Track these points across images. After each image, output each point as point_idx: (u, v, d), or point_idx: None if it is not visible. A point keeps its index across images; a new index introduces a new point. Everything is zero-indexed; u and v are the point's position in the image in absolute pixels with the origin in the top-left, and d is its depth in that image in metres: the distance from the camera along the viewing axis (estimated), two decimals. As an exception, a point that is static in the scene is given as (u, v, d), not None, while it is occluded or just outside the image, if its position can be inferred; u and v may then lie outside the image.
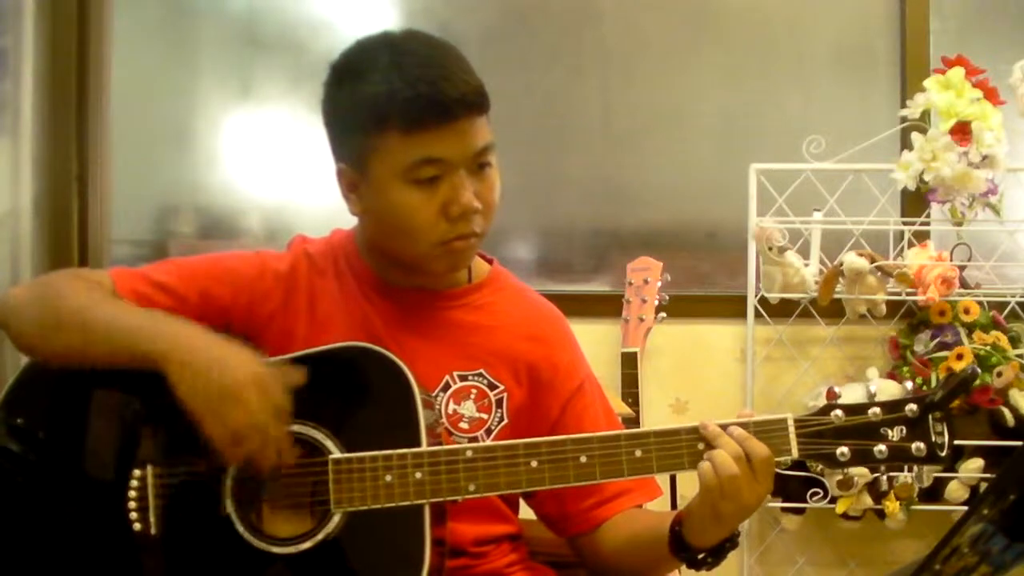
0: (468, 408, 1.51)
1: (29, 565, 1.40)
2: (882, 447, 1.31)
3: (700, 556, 1.38)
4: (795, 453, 1.33)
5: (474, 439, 1.50)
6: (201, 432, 1.31)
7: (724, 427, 1.33)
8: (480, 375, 1.52)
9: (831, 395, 1.36)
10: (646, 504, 1.57)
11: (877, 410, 1.32)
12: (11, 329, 1.44)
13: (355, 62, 1.46)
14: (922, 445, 1.31)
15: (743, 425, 1.33)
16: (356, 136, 1.43)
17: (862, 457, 1.32)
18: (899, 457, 1.32)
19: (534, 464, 1.35)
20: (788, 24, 2.93)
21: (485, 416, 1.51)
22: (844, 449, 1.32)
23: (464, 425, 1.50)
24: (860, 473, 2.50)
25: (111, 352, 1.37)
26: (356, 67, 1.45)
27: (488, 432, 1.51)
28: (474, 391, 1.51)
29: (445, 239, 1.43)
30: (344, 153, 1.48)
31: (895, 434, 1.32)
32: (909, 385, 1.38)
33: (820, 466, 2.42)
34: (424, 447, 1.35)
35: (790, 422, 1.33)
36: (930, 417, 1.31)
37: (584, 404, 1.57)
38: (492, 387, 1.52)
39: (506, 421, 1.52)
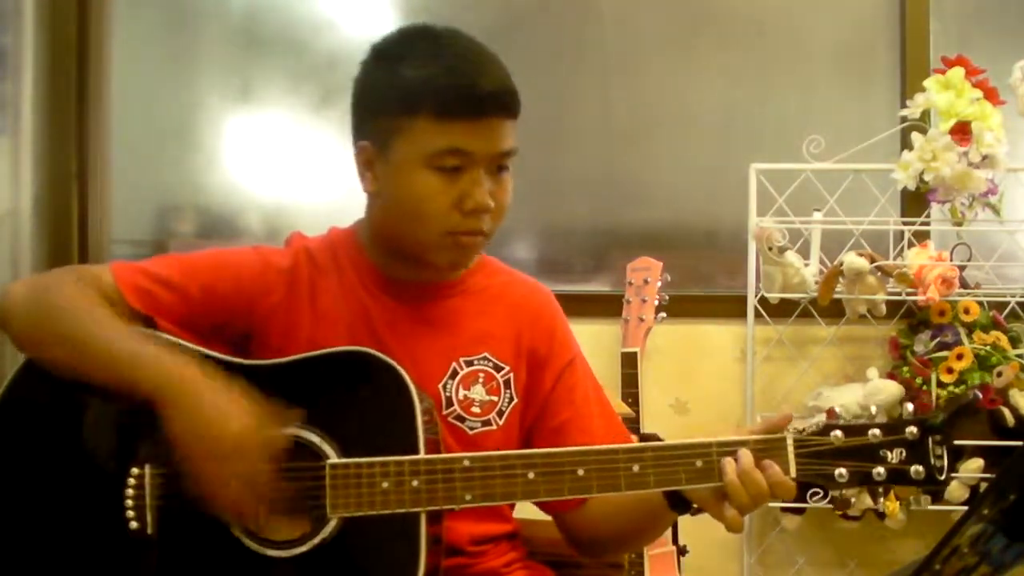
0: (478, 392, 1.52)
1: (24, 562, 1.40)
2: (880, 469, 1.31)
3: (695, 507, 1.39)
4: (793, 472, 1.32)
5: (487, 422, 1.52)
6: (193, 480, 1.32)
7: (732, 450, 1.33)
8: (485, 358, 1.54)
9: (831, 415, 1.35)
10: None
11: (877, 431, 1.31)
12: (9, 330, 1.44)
13: (396, 45, 1.49)
14: (921, 468, 1.30)
15: (743, 443, 1.33)
16: (385, 116, 1.45)
17: (860, 479, 1.32)
18: (897, 480, 1.31)
19: (531, 476, 1.35)
20: (788, 24, 2.93)
21: (495, 398, 1.53)
22: (842, 470, 1.31)
23: (476, 409, 1.52)
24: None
25: (105, 379, 1.37)
26: (397, 50, 1.48)
27: (500, 414, 1.53)
28: (482, 375, 1.53)
29: (454, 230, 1.45)
30: (368, 131, 1.49)
31: (894, 456, 1.31)
32: (910, 407, 1.37)
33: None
34: (422, 455, 1.35)
35: (789, 441, 1.32)
36: (930, 440, 1.30)
37: (575, 379, 1.59)
38: (498, 368, 1.54)
39: (516, 400, 1.54)
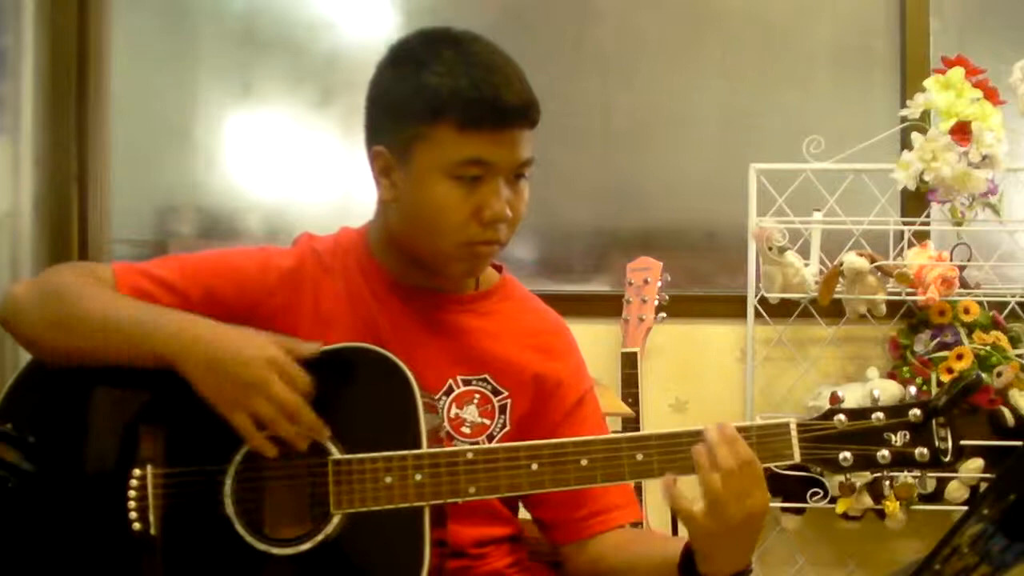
0: (470, 413, 1.51)
1: (28, 563, 1.39)
2: (885, 452, 1.31)
3: None
4: (797, 457, 1.32)
5: (475, 444, 1.49)
6: (231, 425, 1.34)
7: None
8: (484, 380, 1.52)
9: (834, 399, 1.35)
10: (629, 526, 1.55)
11: (880, 415, 1.32)
12: (15, 327, 1.44)
13: (419, 50, 1.46)
14: (925, 450, 1.31)
15: (745, 429, 1.32)
16: (406, 122, 1.43)
17: (865, 462, 1.32)
18: (902, 462, 1.31)
19: (535, 467, 1.35)
20: (788, 24, 2.93)
21: (488, 422, 1.51)
22: (847, 454, 1.31)
23: (466, 430, 1.50)
24: (861, 475, 2.48)
25: (118, 352, 1.38)
26: (419, 55, 1.45)
27: (490, 438, 1.51)
28: (477, 396, 1.51)
29: (471, 241, 1.44)
30: (386, 137, 1.47)
31: (898, 439, 1.31)
32: (913, 390, 1.37)
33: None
34: (425, 449, 1.35)
35: (792, 426, 1.32)
36: (934, 422, 1.31)
37: (584, 414, 1.57)
38: (496, 392, 1.52)
39: (508, 428, 1.52)
